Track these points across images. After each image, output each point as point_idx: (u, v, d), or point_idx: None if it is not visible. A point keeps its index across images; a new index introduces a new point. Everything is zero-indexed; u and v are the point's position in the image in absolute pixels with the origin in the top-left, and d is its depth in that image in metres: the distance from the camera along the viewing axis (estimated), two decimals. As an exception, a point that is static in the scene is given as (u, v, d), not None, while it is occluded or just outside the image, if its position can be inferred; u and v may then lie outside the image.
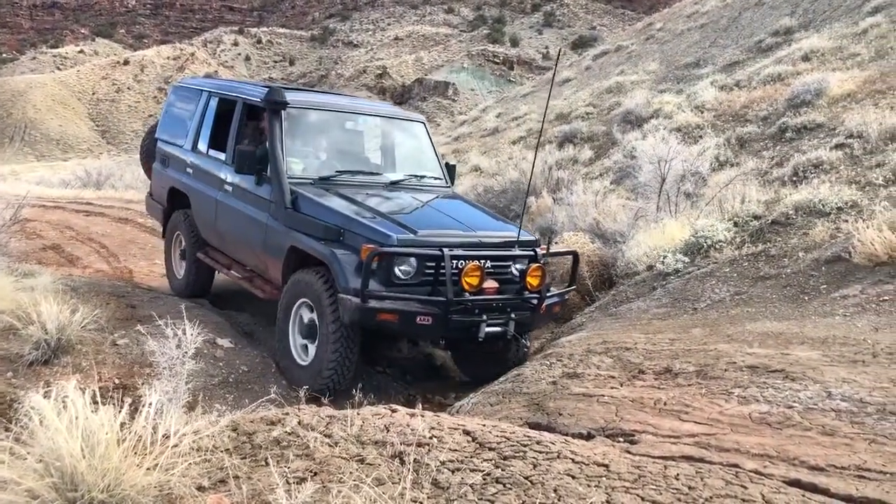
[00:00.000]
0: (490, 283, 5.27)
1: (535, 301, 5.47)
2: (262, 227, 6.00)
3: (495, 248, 5.45)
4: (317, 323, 5.32)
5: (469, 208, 6.39)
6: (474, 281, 5.11)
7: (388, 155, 7.02)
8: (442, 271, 5.06)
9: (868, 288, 5.46)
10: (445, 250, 5.06)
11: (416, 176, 6.68)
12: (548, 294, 5.60)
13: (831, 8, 19.18)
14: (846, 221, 6.50)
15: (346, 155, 6.65)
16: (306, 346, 5.49)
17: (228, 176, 6.52)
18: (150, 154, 8.34)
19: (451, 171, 7.04)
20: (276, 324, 5.72)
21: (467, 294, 5.11)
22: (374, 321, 4.99)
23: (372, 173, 6.56)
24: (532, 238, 5.77)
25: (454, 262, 5.10)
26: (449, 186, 6.84)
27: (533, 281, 5.45)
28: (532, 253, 5.57)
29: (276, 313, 5.70)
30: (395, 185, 6.39)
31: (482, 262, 5.22)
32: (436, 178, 6.80)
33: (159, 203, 8.00)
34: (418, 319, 5.01)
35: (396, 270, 5.06)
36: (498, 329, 5.29)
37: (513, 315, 5.33)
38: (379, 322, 5.01)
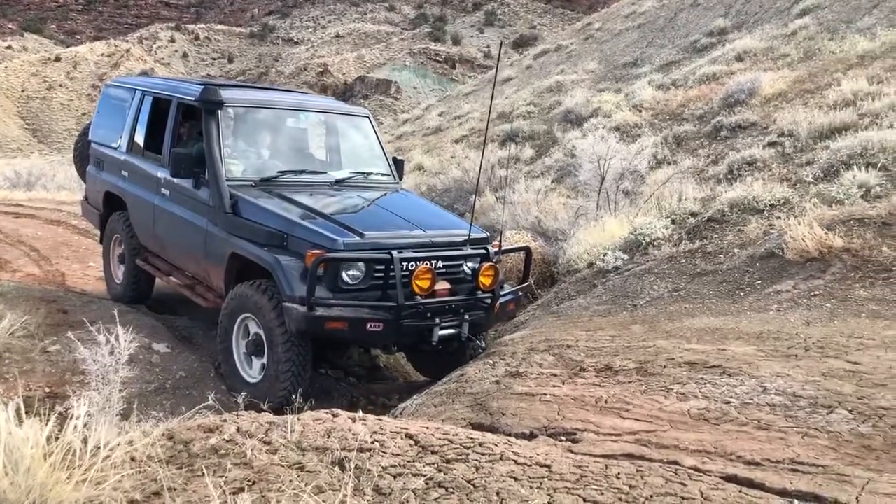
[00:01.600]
0: (442, 285, 5.16)
1: (488, 301, 5.36)
2: (202, 233, 5.75)
3: (446, 247, 5.31)
4: (263, 337, 5.12)
5: (418, 205, 6.25)
6: (425, 284, 4.98)
7: (333, 152, 6.82)
8: (392, 275, 4.93)
9: (800, 283, 5.61)
10: (395, 253, 4.93)
11: (362, 173, 6.49)
12: (501, 293, 5.50)
13: (762, 10, 19.71)
14: (779, 218, 6.68)
15: (288, 154, 6.41)
16: (253, 362, 5.30)
17: (165, 179, 6.25)
18: (83, 157, 8.03)
19: (398, 166, 6.83)
20: (217, 340, 5.49)
21: (418, 297, 4.97)
22: (323, 330, 4.82)
23: (316, 172, 6.32)
24: (483, 235, 5.66)
25: (404, 264, 4.97)
26: (397, 182, 6.66)
27: (486, 280, 5.33)
28: (484, 251, 5.45)
29: (217, 328, 5.48)
30: (340, 184, 6.19)
31: (433, 263, 5.11)
32: (383, 175, 6.62)
33: (95, 208, 7.69)
34: (368, 326, 4.85)
35: (344, 276, 4.89)
36: (452, 332, 5.18)
37: (466, 316, 5.22)
38: (327, 331, 4.84)
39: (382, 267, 4.97)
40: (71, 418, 2.44)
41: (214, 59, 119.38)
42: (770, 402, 3.46)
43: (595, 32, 28.56)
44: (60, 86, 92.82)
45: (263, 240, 5.18)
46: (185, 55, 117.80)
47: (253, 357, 5.28)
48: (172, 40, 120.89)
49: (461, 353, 5.76)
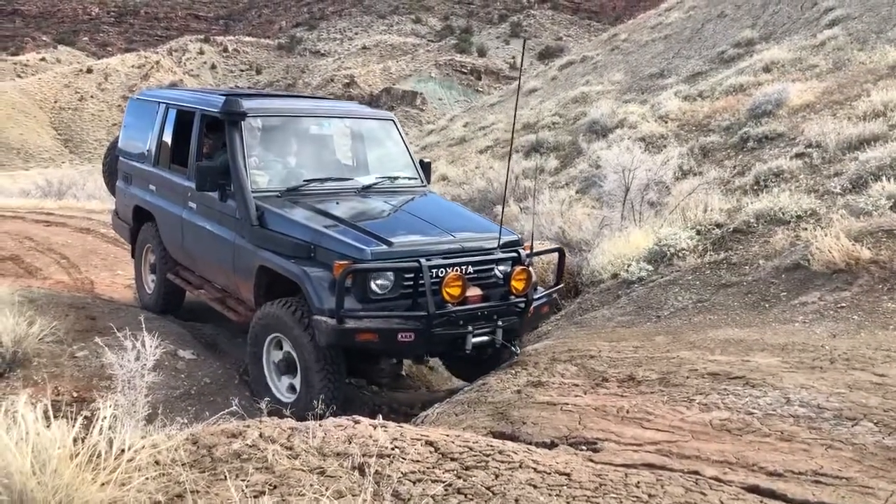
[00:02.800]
0: (473, 291, 4.99)
1: (521, 305, 5.18)
2: (230, 246, 5.68)
3: (476, 252, 5.16)
4: (294, 356, 5.01)
5: (446, 209, 6.13)
6: (456, 291, 4.81)
7: (359, 157, 6.69)
8: (421, 283, 4.79)
9: (826, 295, 5.55)
10: (423, 261, 4.78)
11: (389, 178, 6.33)
12: (534, 296, 5.31)
13: (790, 20, 19.56)
14: (805, 229, 6.62)
15: (313, 162, 6.31)
16: (285, 381, 5.20)
17: (191, 192, 6.15)
18: (112, 171, 8.01)
19: (425, 169, 6.66)
20: (248, 360, 5.38)
21: (450, 305, 4.80)
22: (353, 342, 4.71)
23: (342, 179, 6.18)
24: (515, 237, 5.47)
25: (433, 271, 4.82)
26: (424, 186, 6.49)
27: (518, 285, 5.12)
28: (516, 254, 5.25)
29: (247, 345, 5.37)
30: (367, 190, 6.05)
31: (463, 268, 4.96)
32: (410, 178, 6.46)
33: (125, 222, 7.66)
34: (400, 337, 4.71)
35: (373, 286, 4.77)
36: (485, 339, 5.02)
37: (500, 322, 5.05)
38: (358, 343, 4.72)
39: (412, 275, 4.85)
40: (97, 420, 2.49)
41: (243, 70, 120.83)
42: (794, 413, 3.43)
43: (621, 44, 28.52)
44: (92, 97, 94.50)
45: (291, 252, 5.09)
46: (213, 67, 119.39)
47: (285, 376, 5.19)
48: (201, 52, 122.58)
49: (498, 356, 5.55)
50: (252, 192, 5.56)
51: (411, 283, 4.86)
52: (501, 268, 5.23)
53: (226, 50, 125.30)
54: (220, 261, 5.93)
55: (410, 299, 4.88)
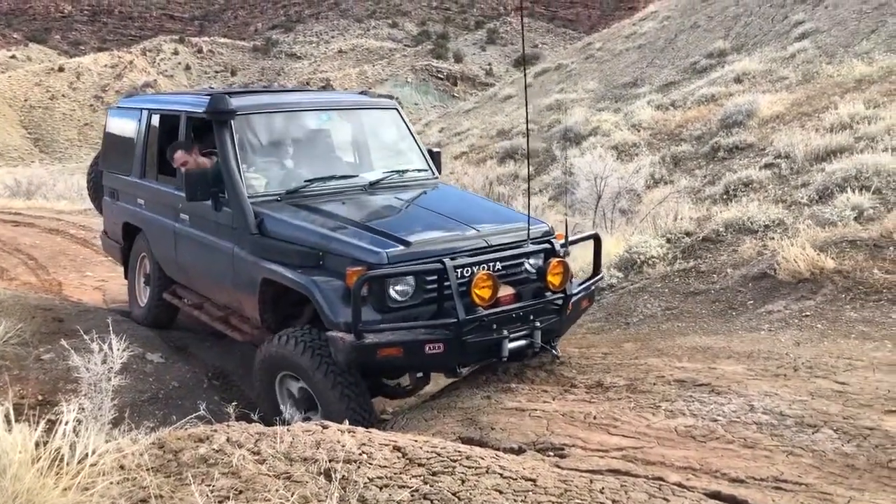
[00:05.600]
0: (505, 290, 4.46)
1: (560, 302, 4.66)
2: (229, 258, 5.15)
3: (505, 247, 4.62)
4: (310, 391, 4.51)
5: (464, 200, 5.72)
6: (487, 293, 4.28)
7: (362, 151, 6.09)
8: (447, 284, 4.27)
9: (791, 304, 5.64)
10: (447, 261, 4.26)
11: (397, 171, 5.76)
12: (572, 291, 4.77)
13: (762, 33, 19.87)
14: (772, 239, 6.73)
15: (313, 160, 5.74)
16: (310, 419, 4.51)
17: (182, 203, 5.60)
18: (98, 186, 7.53)
19: (435, 158, 6.09)
20: (259, 401, 4.82)
21: (480, 309, 4.29)
22: (375, 359, 4.19)
23: (346, 176, 5.60)
24: (545, 227, 4.94)
25: (459, 272, 4.30)
26: (436, 177, 5.94)
27: (555, 280, 4.60)
28: (549, 245, 4.73)
29: (255, 385, 4.90)
30: (374, 186, 5.49)
31: (492, 266, 4.44)
32: (420, 171, 5.89)
33: (115, 241, 7.19)
34: (428, 349, 4.20)
35: (392, 292, 4.26)
36: (522, 343, 4.49)
37: (537, 323, 4.52)
38: (380, 360, 4.20)
39: (435, 277, 4.33)
40: (60, 424, 2.47)
41: (217, 71, 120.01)
42: (757, 420, 3.49)
43: (596, 52, 28.76)
44: (63, 96, 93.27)
45: (297, 261, 4.59)
46: (188, 67, 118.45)
47: (311, 415, 4.53)
48: (176, 52, 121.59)
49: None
50: (249, 197, 5.07)
51: (435, 286, 4.35)
52: (533, 261, 4.72)
53: (200, 51, 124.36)
54: (218, 276, 5.43)
55: (435, 305, 4.37)
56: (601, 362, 4.84)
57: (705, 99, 15.07)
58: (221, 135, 5.26)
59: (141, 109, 6.62)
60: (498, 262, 4.49)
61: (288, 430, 3.17)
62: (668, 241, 7.66)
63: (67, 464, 2.38)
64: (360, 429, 3.34)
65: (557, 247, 4.74)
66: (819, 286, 5.70)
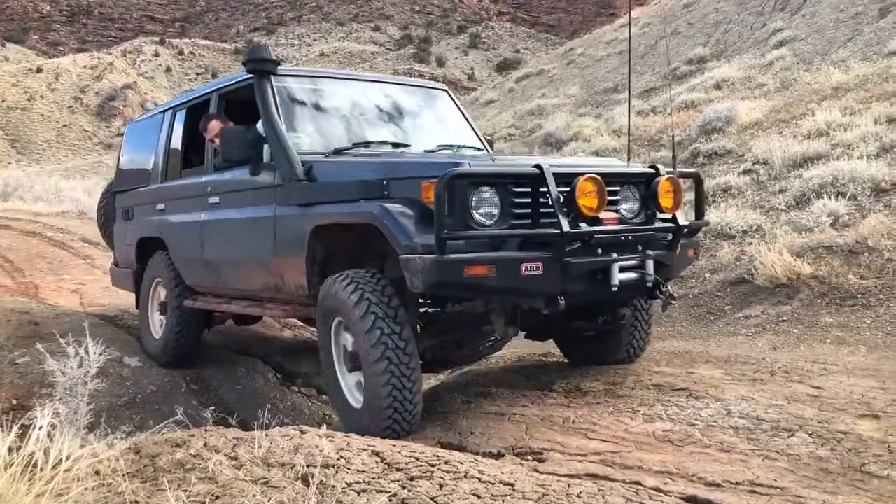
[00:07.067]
0: (608, 214, 3.89)
1: (671, 232, 4.09)
2: (270, 224, 4.62)
3: (604, 169, 3.99)
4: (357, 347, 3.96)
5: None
6: (593, 202, 3.65)
7: (414, 125, 5.59)
8: (542, 200, 3.68)
9: (769, 308, 5.70)
10: (545, 164, 3.66)
11: (451, 146, 5.25)
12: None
13: (741, 40, 20.06)
14: (750, 244, 6.80)
15: (361, 127, 5.23)
16: (357, 380, 4.08)
17: (213, 185, 5.29)
18: (109, 216, 7.16)
19: (490, 144, 5.76)
20: (322, 359, 4.32)
21: (584, 225, 3.68)
22: (461, 279, 3.51)
23: (398, 144, 5.05)
24: (646, 169, 4.24)
25: (558, 181, 3.66)
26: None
27: (666, 200, 4.01)
28: (653, 171, 4.14)
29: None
30: (430, 154, 4.93)
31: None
32: (476, 149, 5.39)
33: (128, 266, 6.70)
34: (524, 269, 3.55)
35: (475, 214, 3.59)
36: (634, 275, 3.83)
37: (648, 252, 3.92)
38: (467, 280, 3.52)
39: (528, 190, 3.71)
40: (34, 429, 2.44)
41: (198, 74, 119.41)
42: (734, 424, 3.52)
43: (577, 58, 28.91)
44: (41, 97, 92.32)
45: (357, 194, 4.01)
46: (168, 69, 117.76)
47: (354, 373, 4.10)
48: (156, 54, 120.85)
49: (621, 331, 4.66)
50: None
51: (528, 203, 3.74)
52: (633, 193, 4.14)
53: (181, 53, 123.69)
54: (256, 251, 4.84)
55: (527, 230, 3.75)
56: (580, 367, 4.87)
57: (685, 105, 15.16)
58: (262, 86, 4.78)
59: (163, 112, 6.38)
60: (601, 178, 3.75)
61: (266, 435, 3.16)
62: (648, 246, 7.70)
63: (41, 469, 2.35)
64: (339, 433, 3.33)
65: (663, 171, 4.15)
66: (796, 291, 5.76)
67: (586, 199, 3.63)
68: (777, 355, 4.77)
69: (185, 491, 2.56)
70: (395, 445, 3.17)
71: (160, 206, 6.09)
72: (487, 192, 3.62)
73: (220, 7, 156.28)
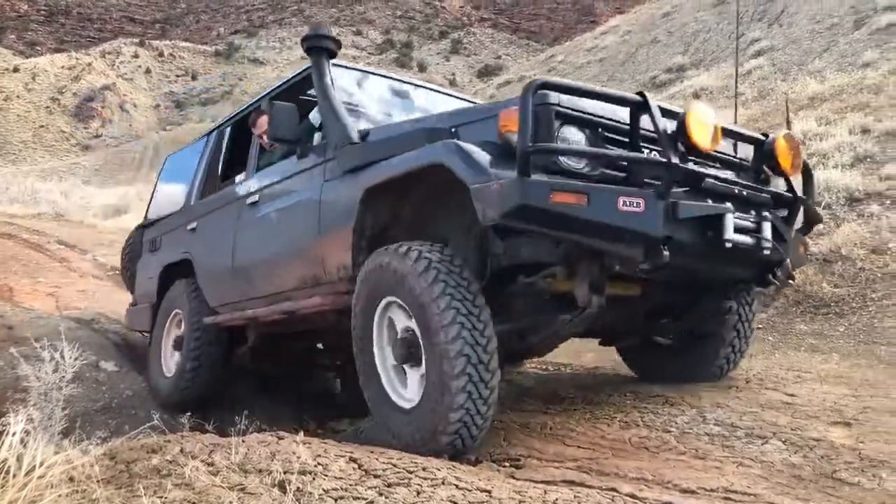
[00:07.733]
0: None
1: (788, 204, 3.58)
2: (314, 206, 4.23)
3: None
4: (418, 334, 3.32)
5: None
6: (704, 135, 3.12)
7: None
8: (649, 133, 3.15)
9: (745, 316, 5.76)
10: (648, 95, 3.16)
11: None
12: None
13: (719, 49, 20.28)
14: (727, 252, 6.86)
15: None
16: (408, 376, 3.51)
17: (253, 185, 5.07)
18: (134, 256, 7.05)
19: None
20: (355, 349, 3.74)
21: (692, 164, 3.15)
22: (546, 205, 2.91)
23: None
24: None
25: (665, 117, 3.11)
26: None
27: (785, 160, 3.51)
28: (762, 136, 3.66)
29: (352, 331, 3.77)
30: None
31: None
32: None
33: (147, 300, 6.42)
34: (622, 203, 2.94)
35: (562, 161, 3.05)
36: (749, 239, 3.24)
37: (766, 213, 3.37)
38: (554, 207, 2.91)
39: (627, 128, 3.18)
40: (6, 435, 2.42)
41: (178, 76, 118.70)
42: (709, 431, 3.55)
43: (558, 65, 29.07)
44: (18, 97, 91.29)
45: (423, 141, 3.50)
46: (148, 71, 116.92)
47: (406, 368, 3.51)
48: (136, 56, 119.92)
49: (717, 336, 4.13)
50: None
51: (626, 137, 3.21)
52: (740, 157, 3.65)
53: (161, 55, 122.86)
54: (296, 239, 4.43)
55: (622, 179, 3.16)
56: (559, 373, 4.90)
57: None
58: (319, 62, 4.51)
59: (208, 135, 6.30)
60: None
61: (242, 441, 3.15)
62: (626, 253, 7.75)
63: (14, 476, 2.33)
64: (316, 440, 3.33)
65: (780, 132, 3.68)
66: (771, 299, 5.82)
67: (699, 133, 3.10)
68: (752, 363, 4.82)
69: (161, 497, 2.55)
70: (372, 452, 3.17)
71: (191, 226, 5.86)
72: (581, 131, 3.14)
73: (200, 9, 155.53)
